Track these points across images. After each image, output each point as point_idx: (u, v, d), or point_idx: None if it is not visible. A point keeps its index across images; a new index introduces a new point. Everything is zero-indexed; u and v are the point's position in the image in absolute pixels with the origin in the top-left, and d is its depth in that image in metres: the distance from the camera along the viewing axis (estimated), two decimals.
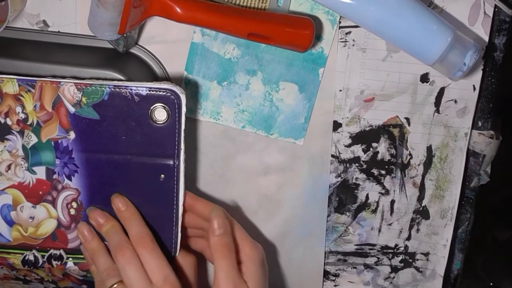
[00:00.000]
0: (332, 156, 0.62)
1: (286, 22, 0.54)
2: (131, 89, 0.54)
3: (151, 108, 0.54)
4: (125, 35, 0.54)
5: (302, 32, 0.54)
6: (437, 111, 0.61)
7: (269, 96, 0.60)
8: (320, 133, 0.61)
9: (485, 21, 0.57)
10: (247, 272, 0.55)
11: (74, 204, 0.57)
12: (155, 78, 0.59)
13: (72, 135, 0.55)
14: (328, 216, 0.64)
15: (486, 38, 0.58)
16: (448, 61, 0.53)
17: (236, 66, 0.59)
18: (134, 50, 0.59)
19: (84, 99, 0.54)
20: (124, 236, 0.55)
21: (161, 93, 0.53)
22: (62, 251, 0.59)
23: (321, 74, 0.59)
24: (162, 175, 0.55)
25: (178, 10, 0.52)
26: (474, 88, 0.60)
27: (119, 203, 0.56)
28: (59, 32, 0.58)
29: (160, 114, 0.54)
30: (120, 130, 0.55)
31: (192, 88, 0.60)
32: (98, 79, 0.55)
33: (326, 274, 0.67)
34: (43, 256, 0.59)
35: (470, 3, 0.57)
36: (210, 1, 0.55)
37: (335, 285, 0.68)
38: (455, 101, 0.60)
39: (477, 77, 0.59)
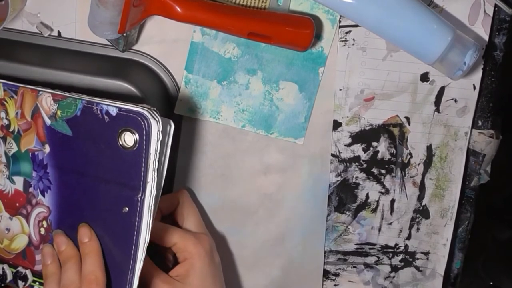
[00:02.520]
0: (332, 155, 0.62)
1: (286, 21, 0.54)
2: (101, 107, 0.48)
3: (119, 131, 0.48)
4: (125, 34, 0.54)
5: (302, 32, 0.54)
6: (437, 110, 0.61)
7: (269, 95, 0.60)
8: (320, 132, 0.61)
9: (485, 21, 0.57)
10: (191, 269, 0.56)
11: (45, 223, 0.54)
12: (160, 82, 0.59)
13: (47, 148, 0.52)
14: (328, 215, 0.64)
15: (486, 37, 0.58)
16: (448, 60, 0.53)
17: (236, 66, 0.59)
18: (135, 57, 0.59)
19: (59, 112, 0.51)
20: (76, 275, 0.52)
21: (131, 115, 0.47)
22: (28, 272, 0.56)
23: (321, 74, 0.59)
24: (126, 208, 0.49)
25: (178, 9, 0.52)
26: (474, 87, 0.60)
27: (84, 234, 0.52)
28: (60, 37, 0.58)
29: (128, 138, 0.48)
30: (90, 151, 0.50)
31: (192, 87, 0.60)
32: (95, 90, 0.53)
33: (326, 274, 0.67)
34: (12, 273, 0.57)
35: (470, 3, 0.57)
36: (210, 1, 0.54)
37: (335, 285, 0.68)
38: (455, 100, 0.60)
39: (477, 76, 0.59)
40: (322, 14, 0.57)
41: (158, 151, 0.47)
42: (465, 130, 0.61)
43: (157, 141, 0.47)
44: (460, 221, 0.65)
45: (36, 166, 0.53)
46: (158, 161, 0.48)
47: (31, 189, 0.54)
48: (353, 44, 0.58)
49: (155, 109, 0.48)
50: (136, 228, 0.48)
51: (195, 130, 0.61)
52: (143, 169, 0.47)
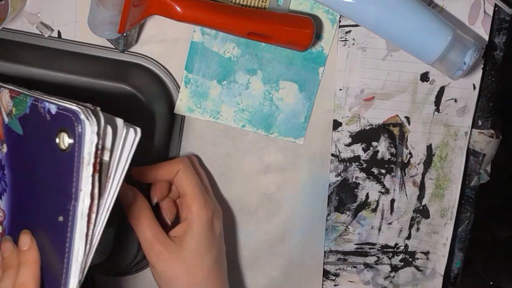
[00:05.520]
0: (332, 155, 0.62)
1: (286, 21, 0.54)
2: (44, 105, 0.44)
3: (58, 131, 0.43)
4: (125, 34, 0.54)
5: (302, 31, 0.54)
6: (437, 110, 0.61)
7: (269, 95, 0.60)
8: (320, 132, 0.61)
9: (485, 20, 0.57)
10: (189, 231, 0.56)
11: (0, 229, 0.51)
12: (161, 83, 0.59)
13: (4, 148, 0.49)
14: (328, 215, 0.64)
15: (486, 37, 0.58)
16: (448, 60, 0.53)
17: (236, 65, 0.59)
18: (135, 60, 0.59)
19: (14, 110, 0.46)
20: (11, 284, 0.48)
21: (67, 114, 0.42)
22: None
23: (321, 73, 0.59)
24: (61, 217, 0.43)
25: (178, 9, 0.52)
26: (474, 87, 0.60)
27: (23, 242, 0.48)
28: (61, 37, 0.58)
29: (66, 140, 0.42)
30: (35, 152, 0.46)
31: (192, 87, 0.60)
32: (86, 90, 0.51)
33: (326, 274, 0.67)
34: None
35: (470, 2, 0.57)
36: (210, 0, 0.54)
37: (335, 285, 0.68)
38: (455, 100, 0.60)
39: (477, 76, 0.59)
40: (322, 13, 0.57)
41: (93, 155, 0.42)
42: (465, 130, 0.61)
43: (92, 144, 0.41)
44: (460, 221, 0.65)
45: None
46: (127, 169, 0.43)
47: None
48: (353, 44, 0.58)
49: (93, 108, 0.43)
50: (68, 240, 0.43)
51: (195, 130, 0.61)
52: (75, 174, 0.42)
